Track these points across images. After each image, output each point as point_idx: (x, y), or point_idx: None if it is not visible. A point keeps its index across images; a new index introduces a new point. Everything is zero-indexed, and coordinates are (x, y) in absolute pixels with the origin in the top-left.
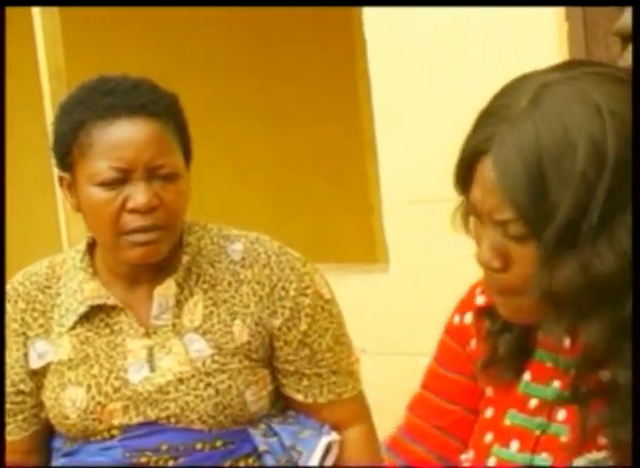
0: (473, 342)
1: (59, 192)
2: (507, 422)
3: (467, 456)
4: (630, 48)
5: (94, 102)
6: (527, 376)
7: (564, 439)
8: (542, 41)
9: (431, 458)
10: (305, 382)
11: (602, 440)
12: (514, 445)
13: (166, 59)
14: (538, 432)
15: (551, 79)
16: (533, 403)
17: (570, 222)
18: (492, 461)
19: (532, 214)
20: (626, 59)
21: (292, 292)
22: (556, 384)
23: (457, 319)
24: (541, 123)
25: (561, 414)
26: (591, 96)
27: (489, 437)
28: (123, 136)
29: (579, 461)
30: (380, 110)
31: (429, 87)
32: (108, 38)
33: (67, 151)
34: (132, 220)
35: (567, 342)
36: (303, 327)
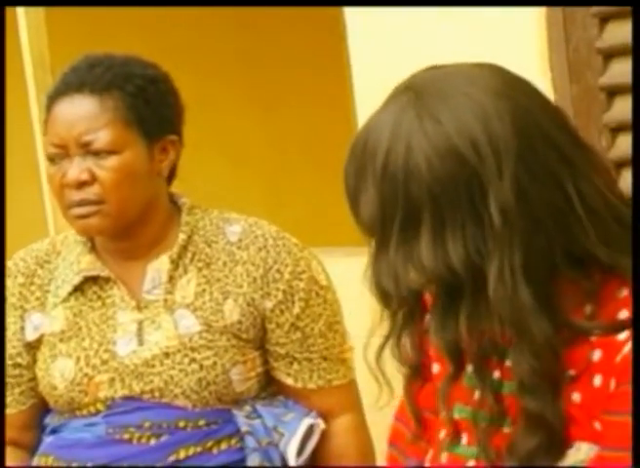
0: None
1: (45, 181)
2: (456, 416)
3: (428, 456)
4: (608, 28)
5: (60, 80)
6: (470, 368)
7: (507, 430)
8: (521, 23)
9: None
10: (296, 366)
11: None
12: (464, 438)
13: (152, 46)
14: (484, 424)
15: (413, 80)
16: (477, 394)
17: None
18: (444, 457)
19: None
20: (603, 40)
21: (286, 276)
22: (496, 374)
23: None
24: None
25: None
26: (424, 108)
27: (442, 433)
28: (60, 114)
29: None
30: (361, 92)
31: (410, 69)
32: (92, 25)
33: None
34: (68, 195)
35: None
36: (296, 310)
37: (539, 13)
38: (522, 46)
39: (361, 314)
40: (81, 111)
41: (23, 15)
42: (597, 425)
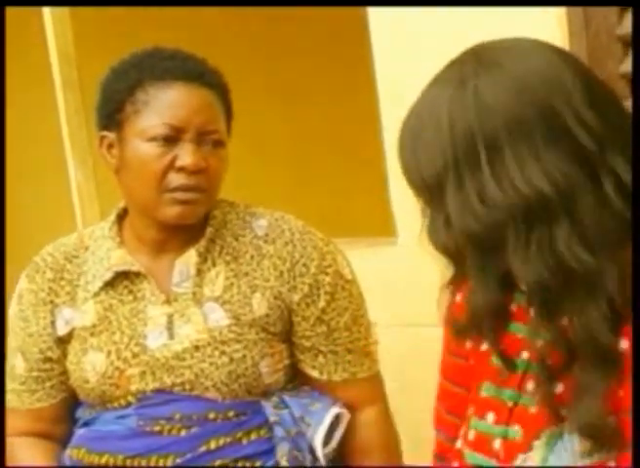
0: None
1: (72, 175)
2: (483, 394)
3: (461, 432)
4: (629, 16)
5: (152, 65)
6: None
7: (533, 410)
8: (542, 13)
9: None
10: (321, 359)
11: (564, 412)
12: (490, 417)
13: (176, 39)
14: (510, 404)
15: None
16: (505, 374)
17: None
18: (471, 434)
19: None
20: (624, 28)
21: (312, 270)
22: (525, 355)
23: (449, 302)
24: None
25: (530, 385)
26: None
27: (470, 410)
28: (180, 98)
29: (545, 434)
30: (384, 82)
31: (431, 58)
32: (117, 20)
33: (119, 108)
34: (177, 178)
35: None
36: (322, 304)
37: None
38: (542, 33)
39: (383, 304)
40: (204, 100)
41: (49, 10)
42: None
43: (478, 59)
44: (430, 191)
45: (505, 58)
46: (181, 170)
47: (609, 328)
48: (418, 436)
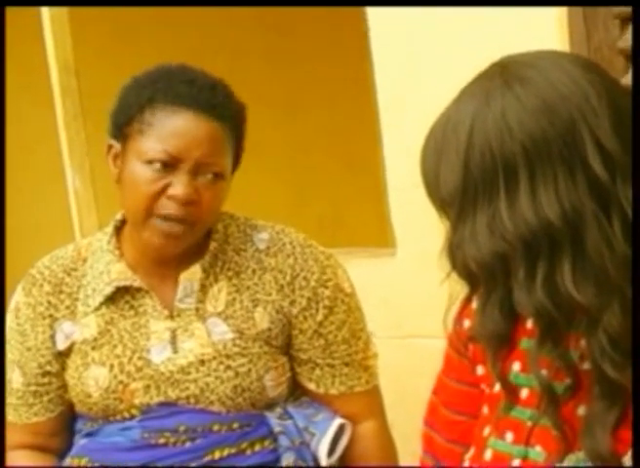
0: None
1: (70, 183)
2: (501, 413)
3: (469, 455)
4: (630, 30)
5: (170, 86)
6: (516, 366)
7: (555, 431)
8: (543, 24)
9: None
10: (318, 372)
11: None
12: (509, 436)
13: (176, 49)
14: (529, 423)
15: (499, 60)
16: (524, 393)
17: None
18: (488, 454)
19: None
20: (625, 40)
21: (312, 283)
22: (543, 373)
23: (456, 328)
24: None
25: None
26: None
27: (487, 430)
28: (183, 127)
29: (570, 458)
30: (384, 93)
31: (432, 68)
32: (117, 28)
33: (128, 122)
34: (167, 206)
35: None
36: (320, 317)
37: (559, 13)
38: (543, 46)
39: (381, 315)
40: (208, 133)
41: (48, 18)
42: None
43: (504, 75)
44: (447, 210)
45: (532, 75)
46: (172, 198)
47: (611, 362)
48: (415, 449)
